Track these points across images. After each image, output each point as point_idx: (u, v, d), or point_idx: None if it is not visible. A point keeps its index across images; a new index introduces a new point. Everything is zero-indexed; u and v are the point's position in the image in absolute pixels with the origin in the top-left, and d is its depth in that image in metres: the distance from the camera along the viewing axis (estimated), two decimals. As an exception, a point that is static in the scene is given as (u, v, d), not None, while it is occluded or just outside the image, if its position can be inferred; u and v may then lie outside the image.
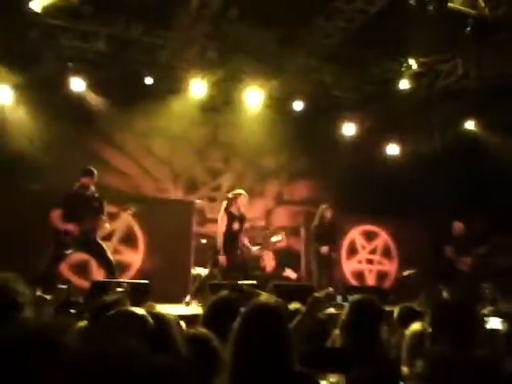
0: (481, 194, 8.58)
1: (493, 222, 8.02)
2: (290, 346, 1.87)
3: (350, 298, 3.02)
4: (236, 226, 6.71)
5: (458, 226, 7.76)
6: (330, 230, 7.75)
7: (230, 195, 6.84)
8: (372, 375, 2.25)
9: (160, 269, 7.12)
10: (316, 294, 2.79)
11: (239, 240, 6.76)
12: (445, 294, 6.78)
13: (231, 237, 6.63)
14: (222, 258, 6.51)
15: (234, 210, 6.68)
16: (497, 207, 8.12)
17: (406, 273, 8.63)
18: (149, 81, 8.11)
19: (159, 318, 2.45)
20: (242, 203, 6.71)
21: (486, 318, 3.14)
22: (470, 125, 9.03)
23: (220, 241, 6.57)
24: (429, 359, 2.14)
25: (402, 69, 8.12)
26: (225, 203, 6.75)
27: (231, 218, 6.68)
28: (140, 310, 2.27)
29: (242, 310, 2.06)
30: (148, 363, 0.65)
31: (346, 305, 2.90)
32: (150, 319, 2.20)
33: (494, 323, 3.00)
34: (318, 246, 7.55)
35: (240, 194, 6.76)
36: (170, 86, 8.45)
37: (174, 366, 0.68)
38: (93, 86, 8.04)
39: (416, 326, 2.92)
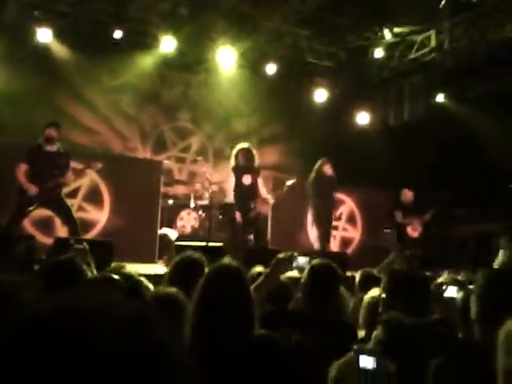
0: (448, 166, 8.76)
1: (459, 193, 8.23)
2: (250, 308, 1.91)
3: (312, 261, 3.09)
4: (247, 179, 6.35)
5: (407, 193, 7.74)
6: (331, 186, 7.38)
7: (234, 150, 6.48)
8: (327, 337, 2.33)
9: (126, 228, 7.07)
10: (279, 256, 2.84)
11: (253, 194, 6.37)
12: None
13: (242, 191, 6.30)
14: (237, 214, 6.29)
15: (241, 162, 6.33)
16: (464, 179, 8.32)
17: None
18: (118, 34, 7.86)
19: (128, 278, 2.47)
20: (246, 155, 6.32)
21: (443, 287, 3.27)
22: (440, 97, 9.13)
23: (229, 197, 6.37)
24: (383, 324, 2.22)
25: (376, 38, 8.10)
26: (232, 161, 6.43)
27: (240, 172, 6.34)
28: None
29: (206, 270, 2.09)
30: (131, 307, 0.63)
31: (306, 268, 2.98)
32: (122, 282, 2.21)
33: (451, 291, 3.12)
34: (318, 201, 7.18)
35: (242, 148, 6.40)
36: (140, 41, 8.23)
37: (154, 311, 0.67)
38: (59, 37, 7.73)
39: (374, 292, 3.02)
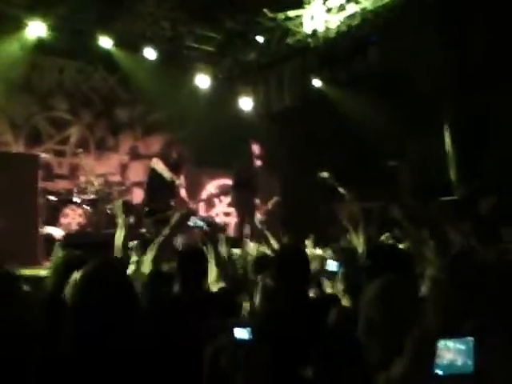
0: (326, 148, 9.21)
1: (336, 173, 8.70)
2: (132, 304, 1.90)
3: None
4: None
5: None
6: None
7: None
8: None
9: (3, 229, 6.53)
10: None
11: (173, 193, 6.89)
12: None
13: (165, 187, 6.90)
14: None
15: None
16: (341, 160, 8.80)
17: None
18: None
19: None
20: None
21: (326, 261, 3.47)
22: (316, 82, 9.54)
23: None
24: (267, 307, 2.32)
25: (255, 23, 8.23)
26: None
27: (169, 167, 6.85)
28: None
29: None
30: None
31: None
32: None
33: (332, 266, 3.32)
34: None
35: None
36: (5, 24, 7.56)
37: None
38: None
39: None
